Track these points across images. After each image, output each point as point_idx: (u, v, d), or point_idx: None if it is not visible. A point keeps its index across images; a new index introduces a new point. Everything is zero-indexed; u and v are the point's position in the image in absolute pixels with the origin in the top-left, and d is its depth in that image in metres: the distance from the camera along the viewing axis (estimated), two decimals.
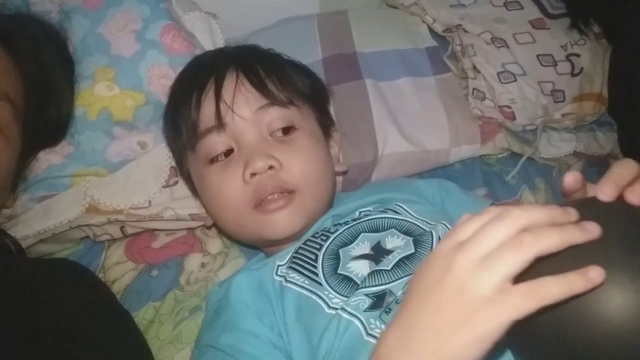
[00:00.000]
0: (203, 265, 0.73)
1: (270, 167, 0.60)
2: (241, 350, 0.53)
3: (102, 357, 0.57)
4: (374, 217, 0.62)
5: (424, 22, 0.96)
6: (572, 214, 0.34)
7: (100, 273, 0.74)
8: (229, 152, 0.63)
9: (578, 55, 0.88)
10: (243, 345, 0.53)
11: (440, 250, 0.35)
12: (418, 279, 0.36)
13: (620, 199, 0.35)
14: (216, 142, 0.62)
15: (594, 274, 0.31)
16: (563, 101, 0.87)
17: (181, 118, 0.65)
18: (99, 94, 0.72)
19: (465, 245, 0.33)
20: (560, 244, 0.32)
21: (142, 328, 0.67)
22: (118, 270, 0.74)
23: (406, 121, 0.84)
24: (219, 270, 0.73)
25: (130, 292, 0.72)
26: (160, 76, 0.73)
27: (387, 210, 0.63)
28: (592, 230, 0.33)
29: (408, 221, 0.61)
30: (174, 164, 0.74)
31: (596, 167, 0.87)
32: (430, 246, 0.56)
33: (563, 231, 0.32)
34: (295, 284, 0.55)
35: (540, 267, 0.32)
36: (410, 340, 0.33)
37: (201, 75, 0.65)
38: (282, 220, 0.60)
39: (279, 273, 0.58)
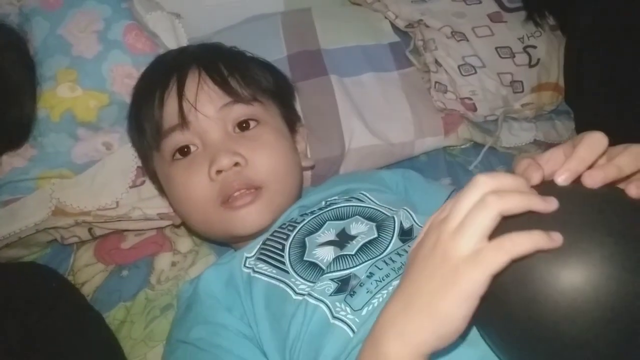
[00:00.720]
0: (173, 264, 0.74)
1: (236, 164, 0.60)
2: (212, 343, 0.53)
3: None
4: (339, 205, 0.63)
5: (386, 18, 0.98)
6: (534, 189, 0.37)
7: (69, 276, 0.74)
8: (194, 150, 0.63)
9: (535, 47, 0.91)
10: (214, 338, 0.54)
11: (429, 229, 0.39)
12: (413, 255, 0.39)
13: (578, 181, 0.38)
14: (180, 141, 0.63)
15: (556, 236, 0.34)
16: (522, 92, 0.90)
17: (145, 117, 0.65)
18: (61, 96, 0.71)
19: (445, 219, 0.37)
20: (522, 205, 0.34)
21: (113, 328, 0.67)
22: (87, 272, 0.73)
23: (371, 115, 0.86)
24: (189, 269, 0.73)
25: (101, 293, 0.71)
26: (123, 76, 0.73)
27: (351, 199, 0.64)
28: (551, 201, 0.35)
29: (371, 208, 0.62)
30: (140, 163, 0.74)
31: None
32: (392, 230, 0.57)
33: (525, 195, 0.35)
34: (263, 274, 0.56)
35: (509, 230, 0.35)
36: (410, 307, 0.37)
37: (163, 74, 0.65)
38: (249, 216, 0.61)
39: (247, 265, 0.58)
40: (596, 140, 0.38)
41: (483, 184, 0.36)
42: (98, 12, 0.74)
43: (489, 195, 0.34)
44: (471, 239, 0.34)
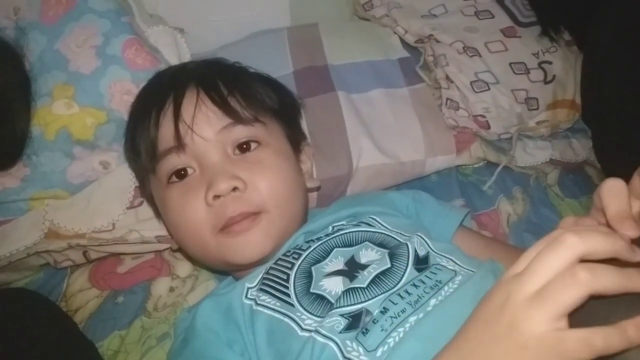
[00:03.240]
0: (172, 289, 0.70)
1: (235, 189, 0.57)
2: None
3: None
4: (347, 231, 0.59)
5: (395, 33, 0.95)
6: (638, 253, 0.32)
7: (61, 302, 0.70)
8: (190, 173, 0.60)
9: (550, 63, 0.87)
10: None
11: (500, 283, 0.34)
12: (479, 309, 0.35)
13: None
14: (176, 164, 0.59)
15: None
16: (537, 109, 0.86)
17: (140, 138, 0.62)
18: (57, 113, 0.68)
19: (519, 278, 0.33)
20: (618, 288, 0.30)
21: (106, 359, 0.63)
22: (81, 298, 0.70)
23: (380, 133, 0.82)
24: (188, 295, 0.69)
25: (94, 320, 0.68)
26: (122, 92, 0.70)
27: (360, 224, 0.60)
28: None
29: (382, 233, 0.58)
30: (138, 184, 0.70)
31: (572, 174, 0.86)
32: (406, 258, 0.53)
33: (624, 275, 0.31)
34: (266, 306, 0.52)
35: (592, 306, 0.31)
36: None
37: (160, 92, 0.62)
38: (248, 243, 0.56)
39: (248, 296, 0.54)
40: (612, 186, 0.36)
41: (573, 246, 0.31)
42: (97, 27, 0.71)
43: (582, 272, 0.30)
44: (548, 316, 0.30)
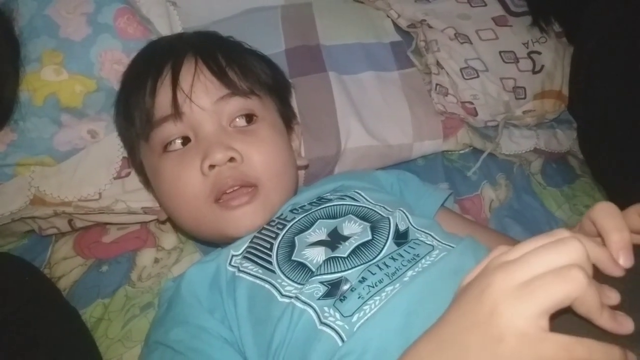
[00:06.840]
0: (156, 260, 0.70)
1: (231, 159, 0.57)
2: (191, 347, 0.50)
3: (45, 356, 0.54)
4: (331, 204, 0.60)
5: (388, 16, 0.95)
6: (619, 268, 0.32)
7: (45, 269, 0.70)
8: (185, 142, 0.60)
9: (539, 53, 0.88)
10: (193, 341, 0.51)
11: (487, 266, 0.33)
12: (463, 291, 0.34)
13: None
14: (172, 133, 0.59)
15: (630, 355, 0.29)
16: (524, 98, 0.87)
17: (134, 105, 0.62)
18: (45, 79, 0.67)
19: (509, 265, 0.31)
20: (596, 309, 0.29)
21: (89, 326, 0.64)
22: (65, 266, 0.70)
23: (369, 115, 0.83)
24: (173, 266, 0.69)
25: (78, 288, 0.68)
26: (112, 61, 0.69)
27: (345, 197, 0.62)
28: (624, 324, 0.30)
29: (365, 207, 0.59)
30: (126, 154, 0.70)
31: (555, 164, 0.88)
32: (387, 232, 0.54)
33: (601, 304, 0.30)
34: (249, 273, 0.53)
35: (567, 321, 0.30)
36: (441, 353, 0.33)
37: (157, 60, 0.62)
38: (245, 216, 0.57)
39: (232, 263, 0.55)
40: (610, 211, 0.35)
41: (576, 250, 0.30)
42: None
43: (578, 272, 0.29)
44: (533, 310, 0.29)
